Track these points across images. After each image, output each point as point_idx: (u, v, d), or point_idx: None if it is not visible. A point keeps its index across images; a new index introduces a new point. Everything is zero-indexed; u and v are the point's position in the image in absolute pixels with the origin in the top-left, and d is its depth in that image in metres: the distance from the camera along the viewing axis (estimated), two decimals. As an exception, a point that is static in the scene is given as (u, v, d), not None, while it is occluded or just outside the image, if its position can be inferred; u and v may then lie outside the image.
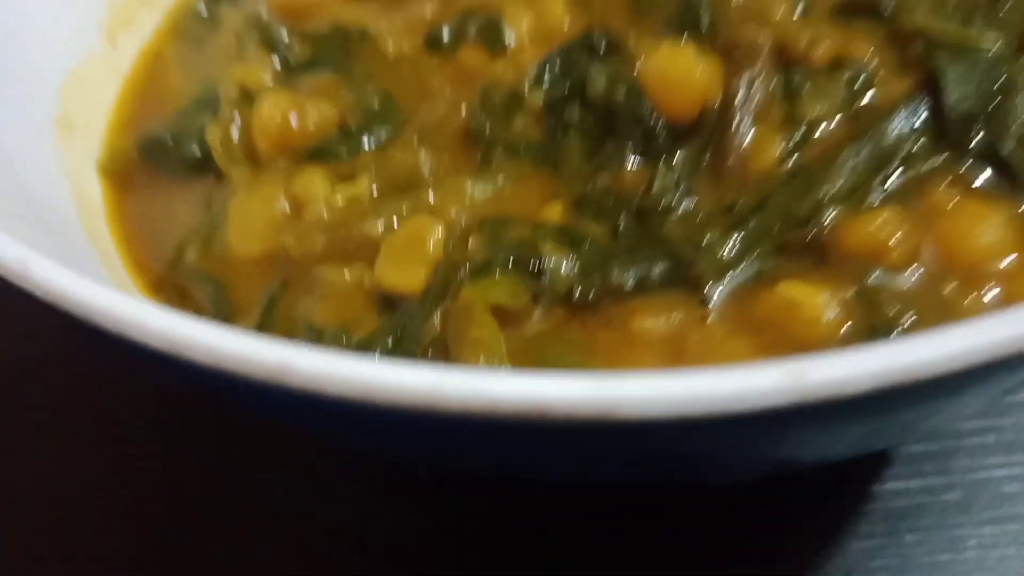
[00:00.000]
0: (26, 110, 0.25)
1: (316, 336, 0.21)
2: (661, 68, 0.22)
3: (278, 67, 0.28)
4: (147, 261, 0.24)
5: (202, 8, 0.32)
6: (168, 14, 0.32)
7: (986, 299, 0.18)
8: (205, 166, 0.26)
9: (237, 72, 0.27)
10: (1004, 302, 0.18)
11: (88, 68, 0.28)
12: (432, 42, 0.28)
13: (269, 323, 0.22)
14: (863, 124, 0.22)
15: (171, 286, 0.23)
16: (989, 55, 0.22)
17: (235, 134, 0.25)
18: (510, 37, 0.27)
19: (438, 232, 0.21)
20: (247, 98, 0.26)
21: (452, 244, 0.21)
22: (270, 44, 0.28)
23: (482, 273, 0.20)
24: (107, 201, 0.26)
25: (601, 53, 0.24)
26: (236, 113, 0.26)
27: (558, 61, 0.24)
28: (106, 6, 0.30)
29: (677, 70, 0.22)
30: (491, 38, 0.27)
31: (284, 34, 0.29)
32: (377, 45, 0.28)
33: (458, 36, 0.28)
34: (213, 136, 0.25)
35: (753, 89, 0.22)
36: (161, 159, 0.27)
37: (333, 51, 0.28)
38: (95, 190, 0.25)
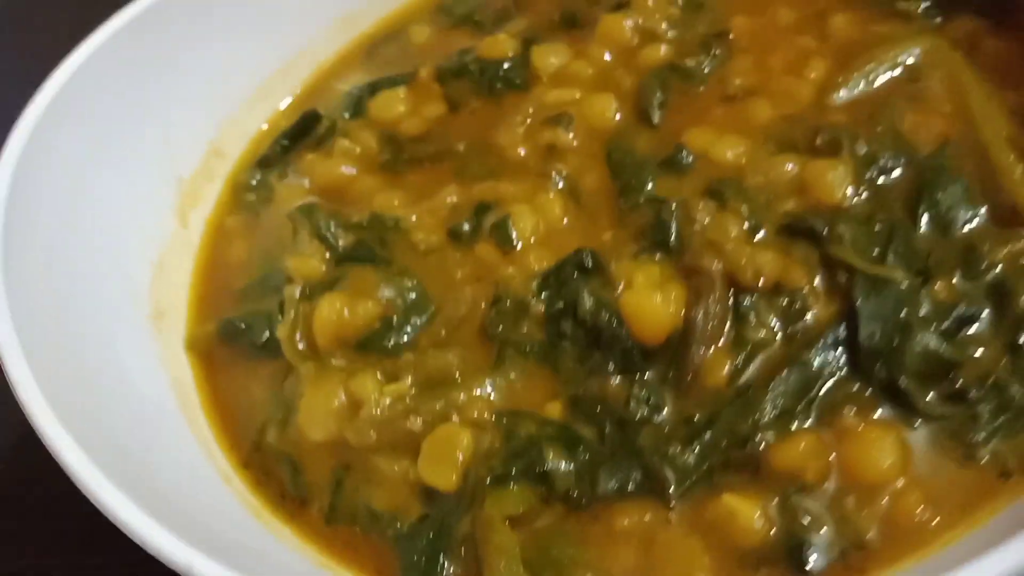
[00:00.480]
0: (125, 313, 0.31)
1: (374, 518, 0.28)
2: (635, 303, 0.28)
3: (327, 255, 0.34)
4: (235, 438, 0.31)
5: (254, 181, 0.38)
6: (226, 184, 0.38)
7: (876, 513, 0.25)
8: (276, 350, 0.32)
9: (295, 264, 0.33)
10: (888, 515, 0.25)
11: (168, 252, 0.34)
12: (454, 235, 0.34)
13: (337, 503, 0.28)
14: (795, 348, 0.28)
15: (257, 464, 0.30)
16: (902, 287, 0.28)
17: (298, 331, 0.32)
18: (518, 236, 0.33)
19: (465, 440, 0.27)
20: (306, 294, 0.32)
21: (477, 450, 0.27)
22: (319, 233, 0.34)
23: (500, 483, 0.26)
24: (196, 380, 0.32)
25: (589, 268, 0.30)
26: (299, 310, 0.32)
27: (554, 278, 0.30)
28: (176, 188, 0.36)
29: (648, 306, 0.28)
30: (501, 237, 0.33)
31: (331, 224, 0.34)
32: (409, 237, 0.34)
33: (475, 232, 0.34)
34: (281, 333, 0.31)
35: (709, 316, 0.28)
36: (238, 342, 0.33)
37: (372, 240, 0.34)
38: (187, 373, 0.32)
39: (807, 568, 0.24)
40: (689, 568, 0.25)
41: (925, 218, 0.29)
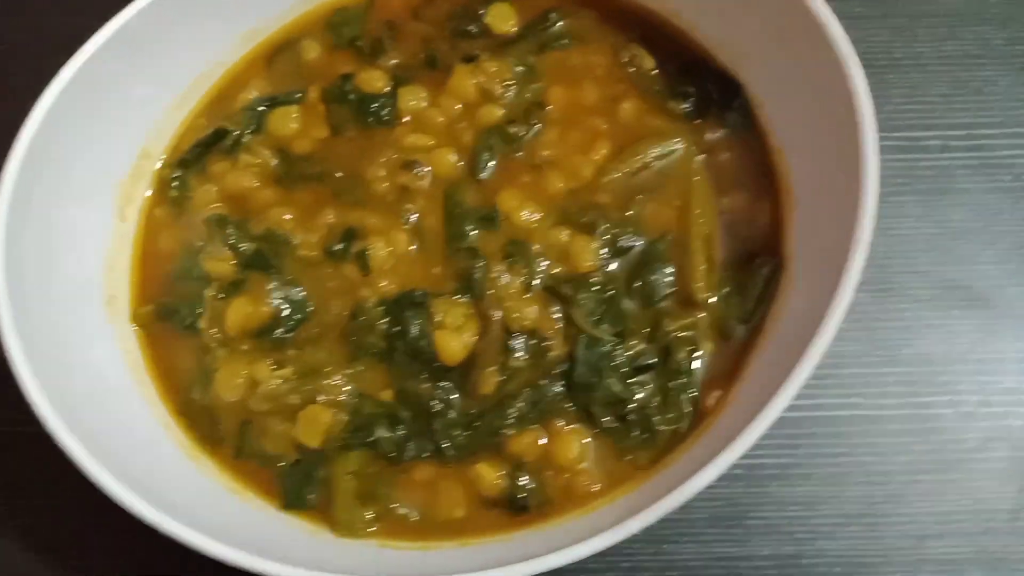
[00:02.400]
0: (83, 310, 0.43)
1: (266, 458, 0.43)
2: (442, 337, 0.43)
3: (234, 261, 0.46)
4: (172, 394, 0.45)
5: (175, 179, 0.48)
6: (153, 180, 0.48)
7: (563, 483, 0.42)
8: (198, 330, 0.45)
9: (210, 266, 0.46)
10: (570, 485, 0.42)
11: (113, 245, 0.45)
12: (329, 253, 0.46)
13: (242, 445, 0.44)
14: (538, 375, 0.43)
15: (187, 413, 0.44)
16: (606, 345, 0.43)
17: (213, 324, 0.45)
18: (373, 263, 0.45)
19: (326, 417, 0.43)
20: (219, 296, 0.45)
21: (334, 422, 0.43)
22: (227, 241, 0.46)
23: (346, 448, 0.42)
24: (142, 350, 0.45)
25: (417, 303, 0.44)
26: (214, 307, 0.45)
27: (394, 306, 0.44)
28: (117, 191, 0.46)
29: (449, 341, 0.43)
30: (362, 262, 0.46)
31: (236, 235, 0.46)
32: (296, 251, 0.46)
33: (344, 253, 0.46)
34: (202, 324, 0.45)
35: (488, 349, 0.43)
36: (170, 321, 0.46)
37: (268, 251, 0.46)
38: (134, 344, 0.44)
39: (520, 507, 0.42)
40: (454, 504, 0.42)
41: (637, 292, 0.45)
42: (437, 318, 0.43)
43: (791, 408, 0.56)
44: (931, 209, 0.56)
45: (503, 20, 0.49)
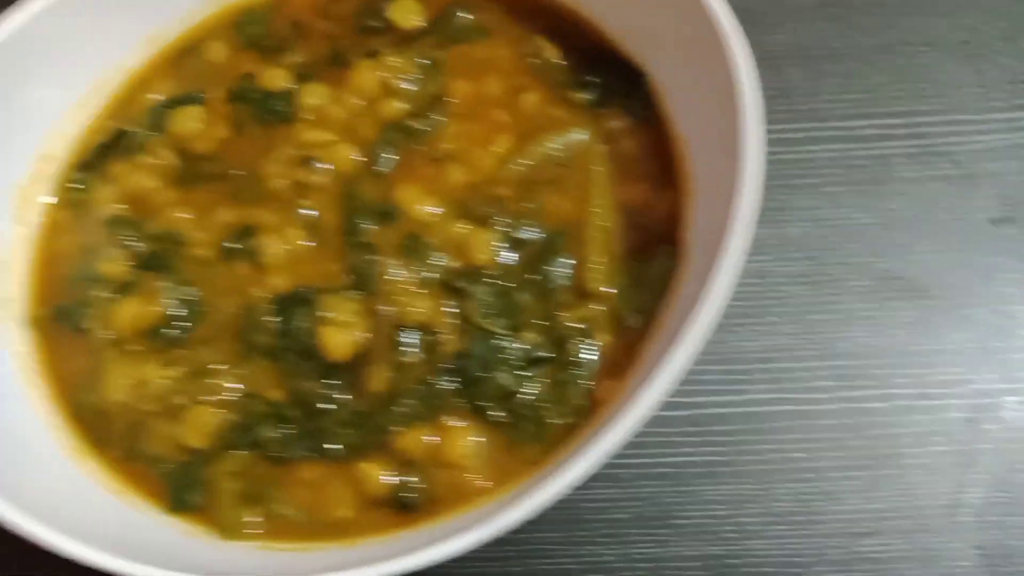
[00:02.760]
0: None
1: (153, 459, 0.42)
2: (328, 335, 0.42)
3: (129, 262, 0.46)
4: (64, 395, 0.44)
5: (76, 182, 0.48)
6: (55, 184, 0.48)
7: (451, 479, 0.41)
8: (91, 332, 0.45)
9: (105, 268, 0.45)
10: (458, 482, 0.40)
11: (10, 250, 0.45)
12: (224, 252, 0.46)
13: (131, 446, 0.43)
14: (428, 371, 0.42)
15: (78, 415, 0.44)
16: (499, 339, 0.42)
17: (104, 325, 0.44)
18: (266, 260, 0.45)
19: (211, 419, 0.42)
20: (110, 296, 0.45)
21: (220, 424, 0.42)
22: (123, 244, 0.46)
23: (229, 448, 0.41)
24: (37, 352, 0.45)
25: (307, 300, 0.43)
26: (106, 308, 0.44)
27: (283, 303, 0.43)
28: (15, 195, 0.46)
29: (335, 338, 0.42)
30: (254, 260, 0.45)
31: (133, 236, 0.46)
32: (192, 250, 0.46)
33: (238, 252, 0.45)
34: (92, 324, 0.44)
35: (378, 346, 0.42)
36: (66, 323, 0.45)
37: (163, 252, 0.46)
38: (28, 347, 0.44)
39: (407, 506, 0.41)
40: (340, 504, 0.41)
41: (533, 285, 0.43)
42: (325, 315, 0.43)
43: (718, 404, 0.56)
44: (868, 199, 0.55)
45: (407, 15, 0.49)
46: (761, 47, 0.62)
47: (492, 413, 0.41)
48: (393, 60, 0.47)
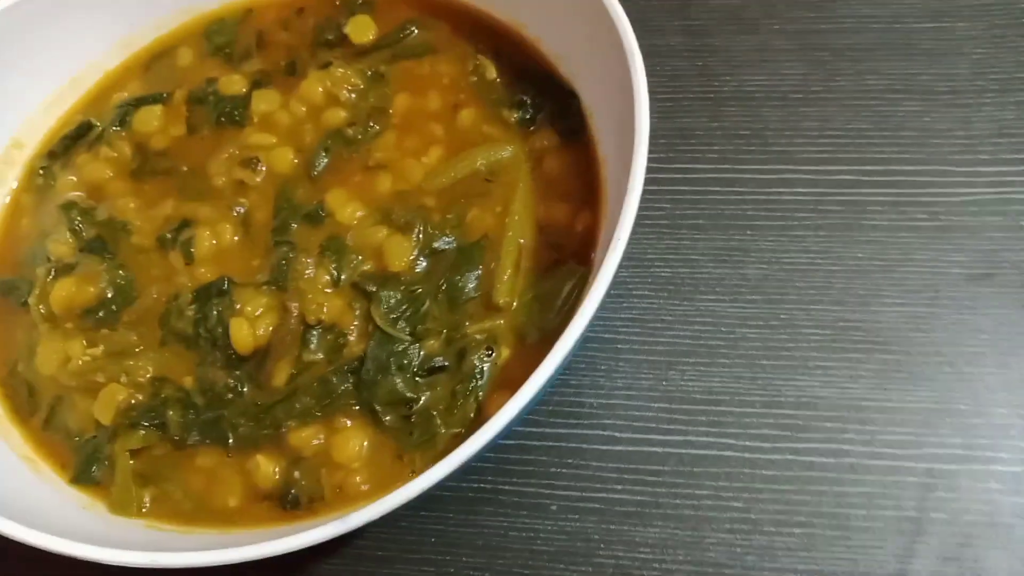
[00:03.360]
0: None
1: (68, 432, 0.44)
2: (236, 326, 0.43)
3: (74, 244, 0.48)
4: (2, 364, 0.47)
5: (42, 169, 0.51)
6: (23, 169, 0.51)
7: (336, 480, 0.41)
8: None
9: (52, 247, 0.48)
10: (343, 483, 0.41)
11: None
12: (160, 241, 0.48)
13: (50, 418, 0.45)
14: (329, 370, 0.43)
15: (10, 384, 0.46)
16: (401, 344, 0.42)
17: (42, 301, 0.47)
18: (197, 252, 0.47)
19: (120, 396, 0.44)
20: (55, 271, 0.47)
21: (128, 403, 0.43)
22: (72, 226, 0.48)
23: (133, 428, 0.43)
24: None
25: (224, 291, 0.45)
26: (47, 283, 0.47)
27: (202, 293, 0.45)
28: None
29: (242, 330, 0.43)
30: (186, 251, 0.47)
31: (82, 220, 0.48)
32: (131, 238, 0.48)
33: (173, 242, 0.47)
34: (31, 300, 0.47)
35: (283, 341, 0.43)
36: (10, 297, 0.48)
37: (107, 236, 0.48)
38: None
39: (291, 502, 0.41)
40: (229, 493, 0.42)
41: (443, 293, 0.44)
42: (237, 307, 0.44)
43: (655, 443, 0.54)
44: (835, 244, 0.53)
45: (362, 31, 0.51)
46: (739, 87, 0.64)
47: (385, 418, 0.41)
48: (341, 72, 0.49)
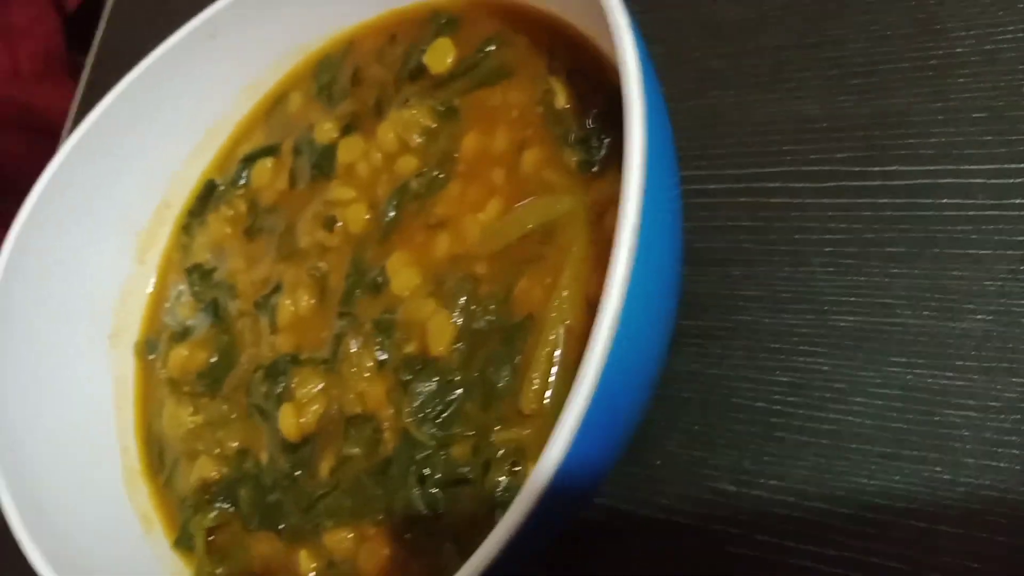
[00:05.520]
0: (88, 336, 0.51)
1: (180, 499, 0.46)
2: (284, 413, 0.41)
3: (195, 306, 0.50)
4: (145, 421, 0.51)
5: (187, 226, 0.54)
6: (174, 228, 0.54)
7: None
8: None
9: (179, 309, 0.50)
10: None
11: (128, 288, 0.53)
12: (256, 306, 0.47)
13: (170, 482, 0.47)
14: (368, 465, 0.38)
15: (148, 441, 0.50)
16: (428, 447, 0.36)
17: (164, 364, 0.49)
18: (280, 319, 0.45)
19: (210, 466, 0.44)
20: (176, 334, 0.50)
21: (214, 476, 0.44)
22: (192, 289, 0.50)
23: (209, 503, 0.43)
24: (136, 377, 0.52)
25: (282, 372, 0.43)
26: (168, 346, 0.50)
27: (268, 371, 0.43)
28: (134, 240, 0.53)
29: (288, 419, 0.40)
30: (271, 317, 0.45)
31: (198, 282, 0.50)
32: (236, 302, 0.48)
33: (263, 307, 0.46)
34: (158, 361, 0.50)
35: (326, 430, 0.40)
36: (152, 354, 0.52)
37: (220, 298, 0.49)
38: (130, 372, 0.52)
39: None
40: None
41: (477, 387, 0.36)
42: (293, 386, 0.42)
43: None
44: None
45: (440, 58, 0.43)
46: (979, 45, 0.44)
47: (405, 533, 0.36)
48: (413, 112, 0.43)
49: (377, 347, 0.39)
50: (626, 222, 0.25)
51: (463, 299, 0.38)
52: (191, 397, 0.48)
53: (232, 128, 0.53)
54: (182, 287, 0.52)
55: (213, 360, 0.47)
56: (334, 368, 0.41)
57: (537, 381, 0.34)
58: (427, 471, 0.36)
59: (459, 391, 0.36)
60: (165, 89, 0.50)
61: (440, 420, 0.36)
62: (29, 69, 0.91)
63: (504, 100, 0.41)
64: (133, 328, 0.53)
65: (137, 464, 0.49)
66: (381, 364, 0.39)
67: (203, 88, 0.51)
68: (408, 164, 0.43)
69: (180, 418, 0.47)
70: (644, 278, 0.27)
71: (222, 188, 0.52)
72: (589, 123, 0.37)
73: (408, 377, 0.38)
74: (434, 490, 0.36)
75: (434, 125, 0.43)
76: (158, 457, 0.49)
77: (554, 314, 0.35)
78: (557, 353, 0.34)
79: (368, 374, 0.39)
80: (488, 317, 0.37)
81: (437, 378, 0.37)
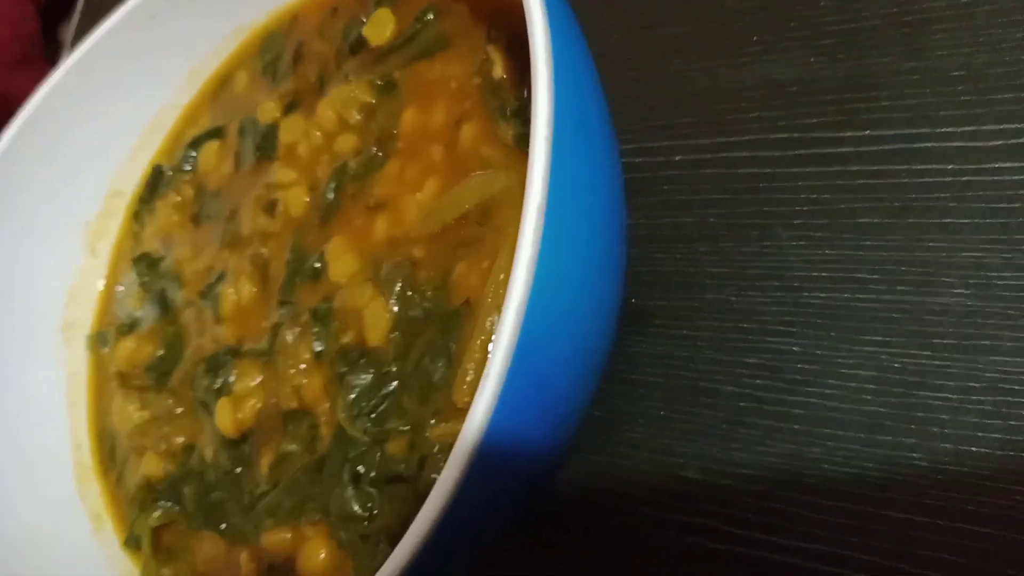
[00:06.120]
0: (36, 331, 0.49)
1: (129, 496, 0.45)
2: (221, 407, 0.39)
3: (142, 295, 0.48)
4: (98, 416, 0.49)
5: (138, 214, 0.52)
6: (126, 216, 0.53)
7: None
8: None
9: (128, 300, 0.48)
10: None
11: (80, 281, 0.51)
12: (202, 295, 0.45)
13: (121, 479, 0.46)
14: (305, 465, 0.36)
15: (102, 438, 0.48)
16: (361, 447, 0.34)
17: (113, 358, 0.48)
18: (223, 310, 0.43)
19: (156, 464, 0.42)
20: (124, 327, 0.48)
21: (160, 472, 0.42)
22: (140, 277, 0.48)
23: (155, 501, 0.41)
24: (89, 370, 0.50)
25: (221, 364, 0.41)
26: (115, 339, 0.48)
27: (209, 364, 0.41)
28: (85, 229, 0.51)
29: (225, 413, 0.38)
30: (215, 308, 0.43)
31: (145, 272, 0.48)
32: (183, 293, 0.46)
33: (207, 297, 0.44)
34: (107, 356, 0.48)
35: (263, 426, 0.38)
36: (104, 347, 0.50)
37: (168, 289, 0.47)
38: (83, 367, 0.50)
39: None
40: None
41: (415, 379, 0.34)
42: (231, 381, 0.40)
43: None
44: None
45: (379, 30, 0.41)
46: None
47: (341, 531, 0.34)
48: (351, 87, 0.40)
49: (314, 338, 0.37)
50: (531, 199, 0.23)
51: (399, 285, 0.35)
52: (139, 392, 0.46)
53: (180, 112, 0.51)
54: (131, 278, 0.50)
55: (160, 353, 0.46)
56: (272, 360, 0.39)
57: (472, 372, 0.31)
58: (362, 469, 0.34)
59: (395, 383, 0.34)
60: (106, 75, 0.48)
61: (375, 415, 0.34)
62: (3, 57, 0.90)
63: (443, 72, 0.38)
64: (86, 321, 0.51)
65: (89, 461, 0.48)
66: (318, 356, 0.37)
67: (148, 72, 0.49)
68: (347, 143, 0.40)
69: (128, 413, 0.46)
70: (559, 254, 0.24)
71: (170, 174, 0.50)
72: (526, 94, 0.34)
73: (344, 369, 0.36)
74: (370, 489, 0.34)
75: (373, 101, 0.40)
76: (110, 454, 0.48)
77: (489, 299, 0.32)
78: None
79: (305, 366, 0.37)
80: (425, 304, 0.34)
81: (373, 370, 0.35)
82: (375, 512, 0.33)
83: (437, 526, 0.26)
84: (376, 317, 0.35)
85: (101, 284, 0.51)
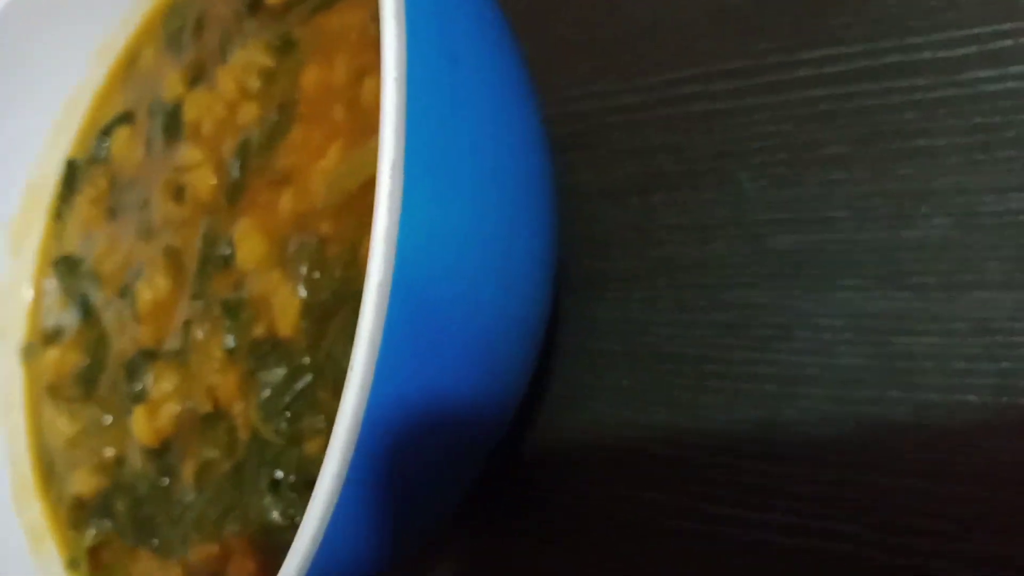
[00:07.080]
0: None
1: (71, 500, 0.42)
2: (138, 415, 0.35)
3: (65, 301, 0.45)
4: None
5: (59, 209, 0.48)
6: (49, 212, 0.49)
7: None
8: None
9: (53, 307, 0.45)
10: None
11: (4, 284, 0.48)
12: (121, 295, 0.42)
13: (62, 497, 0.43)
14: (224, 471, 0.33)
15: (41, 456, 0.45)
16: (276, 449, 0.30)
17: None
18: (140, 307, 0.40)
19: (88, 480, 0.39)
20: (49, 337, 0.45)
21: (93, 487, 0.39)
22: (62, 281, 0.45)
23: (92, 516, 0.39)
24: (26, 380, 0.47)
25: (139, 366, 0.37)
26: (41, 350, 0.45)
27: (130, 366, 0.38)
28: (5, 225, 0.48)
29: (141, 422, 0.35)
30: (133, 307, 0.40)
31: (66, 276, 0.44)
32: (104, 294, 0.43)
33: (128, 295, 0.41)
34: (35, 369, 0.45)
35: (183, 434, 0.34)
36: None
37: (89, 292, 0.44)
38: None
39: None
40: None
41: (328, 369, 0.30)
42: (148, 386, 0.36)
43: None
44: None
45: (274, -18, 0.37)
46: None
47: (264, 543, 0.31)
48: (248, 52, 0.36)
49: (225, 332, 0.34)
50: (384, 157, 0.19)
51: (305, 266, 0.32)
52: (67, 403, 0.43)
53: (91, 98, 0.47)
54: (54, 283, 0.47)
55: (87, 362, 0.43)
56: (185, 361, 0.36)
57: (378, 358, 0.28)
58: (280, 473, 0.31)
59: (308, 377, 0.31)
60: (4, 56, 0.45)
61: (290, 413, 0.31)
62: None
63: (341, 23, 0.34)
64: (17, 329, 0.48)
65: (30, 479, 0.45)
66: (231, 352, 0.34)
67: (49, 54, 0.45)
68: (249, 113, 0.36)
69: (59, 427, 0.43)
70: (438, 217, 0.21)
71: (83, 166, 0.46)
72: (424, 37, 0.30)
73: (254, 365, 0.32)
74: (291, 494, 0.30)
75: (272, 64, 0.36)
76: (49, 470, 0.45)
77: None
78: (404, 323, 0.28)
79: (217, 365, 0.34)
80: (335, 285, 0.31)
81: (285, 364, 0.31)
82: (297, 519, 0.30)
83: (326, 533, 0.22)
84: (285, 304, 0.32)
85: (29, 292, 0.48)
